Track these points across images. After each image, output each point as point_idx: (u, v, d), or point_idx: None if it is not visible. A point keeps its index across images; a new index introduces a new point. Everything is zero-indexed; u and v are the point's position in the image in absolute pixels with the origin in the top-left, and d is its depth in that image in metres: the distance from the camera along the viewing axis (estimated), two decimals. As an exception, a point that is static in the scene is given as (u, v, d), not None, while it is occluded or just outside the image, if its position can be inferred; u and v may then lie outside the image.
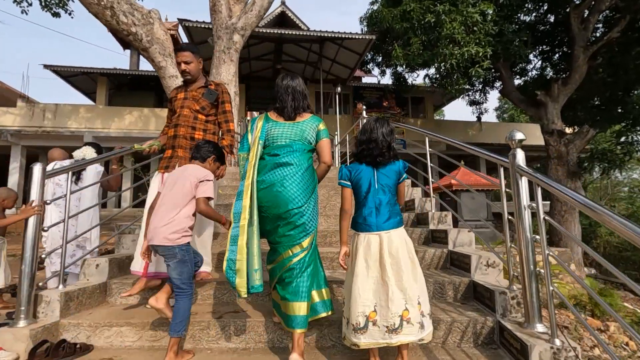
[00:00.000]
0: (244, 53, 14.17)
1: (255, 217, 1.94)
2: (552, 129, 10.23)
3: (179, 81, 6.68)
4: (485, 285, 2.34)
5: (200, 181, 2.09)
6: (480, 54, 8.43)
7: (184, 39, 14.23)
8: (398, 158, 2.00)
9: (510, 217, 2.23)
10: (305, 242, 1.99)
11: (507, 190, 2.28)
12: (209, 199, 2.12)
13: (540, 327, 1.93)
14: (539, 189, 1.93)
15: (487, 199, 10.89)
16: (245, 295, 1.89)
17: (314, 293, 2.03)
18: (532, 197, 1.98)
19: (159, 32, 6.47)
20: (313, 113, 2.24)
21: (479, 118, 16.85)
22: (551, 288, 1.84)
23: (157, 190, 2.39)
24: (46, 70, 14.58)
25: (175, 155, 2.65)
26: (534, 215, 1.97)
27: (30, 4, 10.98)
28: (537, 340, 1.80)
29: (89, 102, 17.57)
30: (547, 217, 1.91)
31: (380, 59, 13.76)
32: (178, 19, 10.77)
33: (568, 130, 12.70)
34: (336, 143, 8.86)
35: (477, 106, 13.96)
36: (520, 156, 2.01)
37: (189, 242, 2.09)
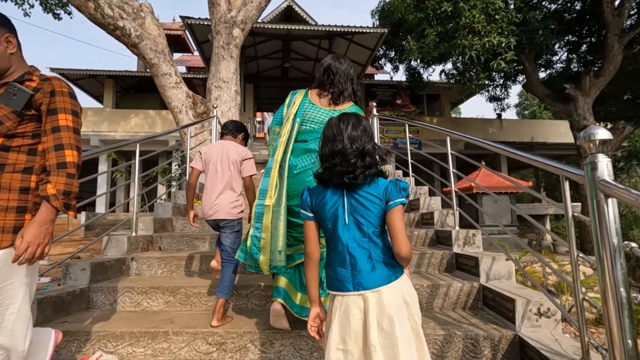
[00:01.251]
0: (251, 52, 13.71)
1: (284, 199, 1.86)
2: (583, 125, 9.33)
3: (172, 79, 6.20)
4: (540, 351, 1.62)
5: (244, 159, 2.32)
6: (503, 45, 7.66)
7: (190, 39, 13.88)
8: (384, 173, 1.33)
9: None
10: None
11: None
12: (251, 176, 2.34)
13: None
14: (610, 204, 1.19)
15: (510, 202, 10.09)
16: (268, 273, 1.90)
17: None
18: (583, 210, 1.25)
19: (151, 26, 5.99)
20: (355, 103, 2.07)
21: (499, 115, 15.92)
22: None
23: (193, 166, 2.44)
24: (53, 74, 14.48)
25: None
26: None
27: (32, 6, 10.77)
28: None
29: (99, 105, 17.44)
30: None
31: (393, 54, 13.05)
32: (180, 16, 10.36)
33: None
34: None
35: (498, 102, 13.07)
36: (604, 166, 1.23)
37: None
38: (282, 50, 14.08)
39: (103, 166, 13.79)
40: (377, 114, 5.65)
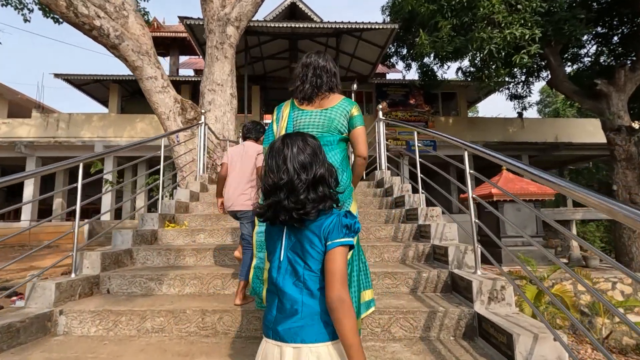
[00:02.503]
0: (256, 52, 13.20)
1: None
2: (617, 124, 8.38)
3: (158, 83, 5.68)
4: None
5: (258, 154, 2.61)
6: (527, 37, 6.84)
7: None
8: (338, 202, 1.08)
9: None
10: None
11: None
12: None
13: None
14: None
15: (536, 210, 9.23)
16: None
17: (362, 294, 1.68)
18: None
19: (135, 26, 5.49)
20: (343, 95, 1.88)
21: (520, 114, 14.91)
22: None
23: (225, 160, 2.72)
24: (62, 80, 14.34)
25: None
26: None
27: (32, 11, 10.52)
28: None
29: (105, 109, 17.29)
30: None
31: (404, 51, 12.30)
32: (179, 17, 9.91)
33: (635, 125, 10.63)
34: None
35: (519, 101, 12.12)
36: None
37: None
38: (288, 50, 13.51)
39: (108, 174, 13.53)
40: (383, 117, 4.98)
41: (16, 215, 14.63)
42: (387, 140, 5.21)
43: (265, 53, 13.39)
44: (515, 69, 9.64)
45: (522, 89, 11.91)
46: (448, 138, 2.81)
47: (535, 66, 10.71)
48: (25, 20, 10.68)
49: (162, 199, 3.81)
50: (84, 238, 12.47)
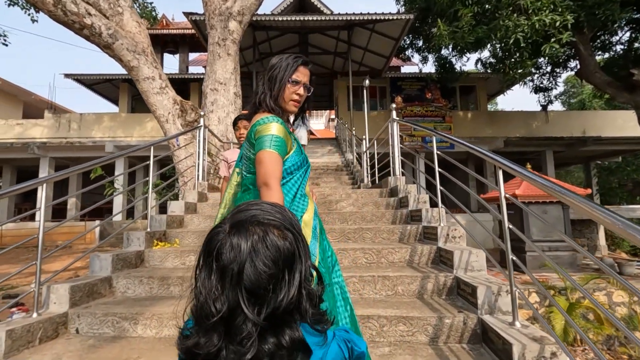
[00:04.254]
0: (265, 48, 12.81)
1: None
2: (657, 119, 7.61)
3: (156, 84, 5.34)
4: None
5: None
6: (558, 24, 6.19)
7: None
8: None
9: None
10: None
11: None
12: None
13: None
14: None
15: (564, 212, 8.54)
16: None
17: None
18: None
19: (130, 23, 5.15)
20: (272, 112, 1.31)
21: (544, 107, 14.04)
22: None
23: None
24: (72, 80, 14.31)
25: None
26: None
27: (38, 11, 10.38)
28: None
29: (116, 109, 17.28)
30: None
31: (420, 43, 11.66)
32: (184, 12, 9.57)
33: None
34: (364, 149, 7.10)
35: (544, 93, 11.33)
36: None
37: None
38: (298, 45, 13.07)
39: (119, 172, 13.46)
40: (397, 118, 4.50)
41: (31, 216, 14.79)
42: (401, 136, 4.73)
43: (274, 49, 12.99)
44: (541, 59, 8.94)
45: (548, 81, 11.13)
46: (474, 149, 2.33)
47: (562, 56, 9.92)
48: (33, 21, 10.57)
49: (150, 212, 3.46)
50: (95, 239, 12.49)
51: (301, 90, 1.33)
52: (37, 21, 10.60)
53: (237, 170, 1.46)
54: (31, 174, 15.20)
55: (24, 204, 16.68)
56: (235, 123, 3.00)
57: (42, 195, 2.30)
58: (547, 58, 7.98)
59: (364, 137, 7.51)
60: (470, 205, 13.89)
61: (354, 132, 9.31)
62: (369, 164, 6.82)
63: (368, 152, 6.96)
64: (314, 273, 0.64)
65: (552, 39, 6.38)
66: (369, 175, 6.73)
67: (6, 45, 11.46)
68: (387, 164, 5.15)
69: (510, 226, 1.92)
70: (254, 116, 1.33)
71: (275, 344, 0.55)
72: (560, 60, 10.16)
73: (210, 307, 0.56)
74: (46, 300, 2.27)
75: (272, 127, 1.23)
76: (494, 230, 11.19)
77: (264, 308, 0.55)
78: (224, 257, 0.57)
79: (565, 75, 21.54)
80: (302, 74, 1.32)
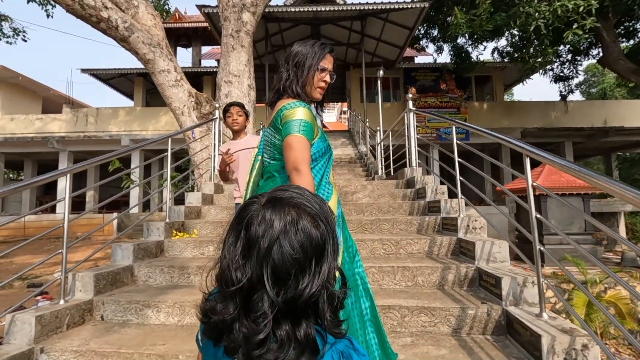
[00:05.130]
0: (277, 40, 12.76)
1: None
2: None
3: (171, 76, 5.37)
4: None
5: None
6: (581, 10, 5.95)
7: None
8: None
9: None
10: None
11: None
12: None
13: None
14: None
15: (584, 205, 8.31)
16: None
17: None
18: None
19: (145, 16, 5.18)
20: (297, 98, 1.27)
21: (564, 97, 13.62)
22: None
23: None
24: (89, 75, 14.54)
25: None
26: None
27: (54, 6, 10.54)
28: None
29: (131, 103, 17.52)
30: None
31: (435, 32, 11.41)
32: (197, 5, 9.58)
33: None
34: (378, 141, 7.03)
35: (565, 82, 10.98)
36: None
37: None
38: (311, 36, 12.95)
39: (135, 165, 13.69)
40: (413, 108, 4.42)
41: (51, 208, 15.22)
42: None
43: (286, 40, 12.91)
44: (561, 47, 8.65)
45: (568, 69, 10.79)
46: (501, 138, 2.27)
47: (584, 43, 9.58)
48: (48, 16, 10.74)
49: (168, 203, 3.50)
50: (113, 230, 12.78)
51: (327, 78, 1.33)
52: (52, 16, 10.76)
53: (259, 157, 1.45)
54: (51, 167, 15.60)
55: (45, 197, 17.18)
56: (226, 110, 2.78)
57: (67, 185, 2.34)
58: (568, 45, 7.71)
59: (378, 128, 7.43)
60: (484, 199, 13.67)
61: (367, 123, 9.22)
62: (383, 155, 6.76)
63: (382, 143, 6.89)
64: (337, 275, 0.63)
65: (575, 26, 6.15)
66: (383, 167, 6.68)
67: (25, 41, 11.69)
68: (402, 156, 5.09)
69: (538, 216, 1.87)
70: (277, 102, 1.32)
71: (288, 333, 0.54)
72: (582, 48, 9.82)
73: (231, 274, 0.56)
74: (72, 288, 2.33)
75: (300, 112, 1.23)
76: (510, 222, 11.00)
77: (282, 292, 0.54)
78: (253, 228, 0.57)
79: (586, 63, 20.81)
80: (329, 62, 1.33)
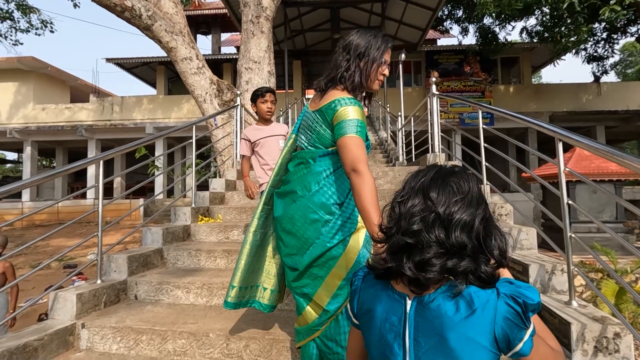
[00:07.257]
0: (297, 25, 12.61)
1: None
2: None
3: (194, 64, 5.43)
4: None
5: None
6: (620, -17, 5.57)
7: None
8: (494, 280, 0.67)
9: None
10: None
11: None
12: None
13: None
14: None
15: (616, 192, 7.97)
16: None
17: None
18: None
19: (167, 4, 5.23)
20: (354, 90, 1.30)
21: (597, 78, 12.94)
22: None
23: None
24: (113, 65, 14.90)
25: None
26: None
27: (80, -4, 10.77)
28: None
29: (153, 91, 17.86)
30: None
31: (460, 13, 10.99)
32: (216, -8, 9.53)
33: None
34: (399, 127, 6.91)
35: (599, 62, 10.41)
36: None
37: None
38: (330, 20, 12.73)
39: (159, 152, 14.06)
40: (437, 92, 4.32)
41: (82, 194, 15.91)
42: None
43: (305, 25, 12.76)
44: (596, 25, 8.16)
45: (603, 49, 10.19)
46: (532, 122, 2.20)
47: (623, 19, 9.00)
48: (75, 6, 10.99)
49: (194, 189, 3.60)
50: (140, 215, 13.26)
51: (387, 71, 1.35)
52: (79, 6, 11.01)
53: (293, 135, 1.47)
54: (80, 155, 16.25)
55: (75, 183, 17.96)
56: (261, 95, 2.64)
57: (101, 171, 2.43)
58: (604, 23, 7.26)
59: (399, 114, 7.31)
60: (508, 184, 13.32)
61: (387, 109, 9.06)
62: (404, 141, 6.65)
63: (403, 129, 6.77)
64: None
65: (613, 1, 5.78)
66: (404, 153, 6.59)
67: (52, 32, 12.03)
68: (424, 141, 5.00)
69: (571, 202, 1.82)
70: (328, 91, 1.32)
71: (444, 242, 0.67)
72: (619, 25, 9.22)
73: (409, 224, 0.70)
74: (107, 269, 2.46)
75: (355, 112, 1.24)
76: (535, 209, 10.67)
77: (449, 213, 0.69)
78: (432, 194, 0.72)
79: (623, 42, 19.59)
80: (389, 54, 1.35)
